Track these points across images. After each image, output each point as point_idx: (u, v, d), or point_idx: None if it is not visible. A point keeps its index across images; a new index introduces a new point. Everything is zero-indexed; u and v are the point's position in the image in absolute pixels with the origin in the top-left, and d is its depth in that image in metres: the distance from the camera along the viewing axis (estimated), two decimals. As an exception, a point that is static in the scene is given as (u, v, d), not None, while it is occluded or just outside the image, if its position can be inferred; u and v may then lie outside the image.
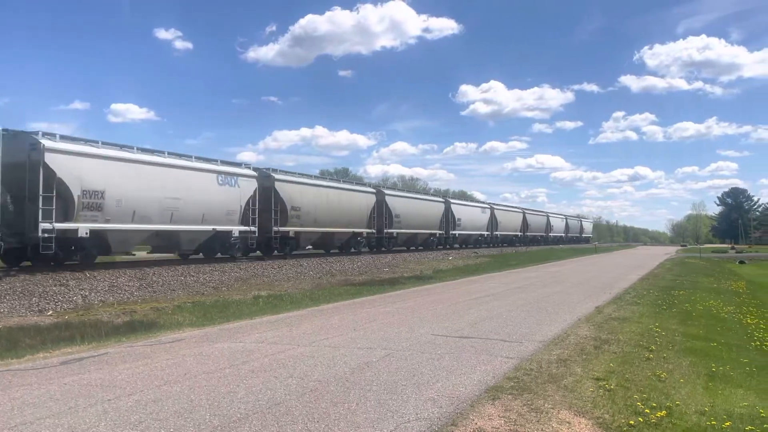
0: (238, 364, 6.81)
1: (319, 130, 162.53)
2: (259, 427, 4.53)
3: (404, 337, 8.71)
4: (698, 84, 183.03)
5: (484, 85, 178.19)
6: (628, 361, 7.37)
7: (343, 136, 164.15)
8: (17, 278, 15.06)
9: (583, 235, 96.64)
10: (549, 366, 6.82)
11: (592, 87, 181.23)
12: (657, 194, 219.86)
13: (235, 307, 13.51)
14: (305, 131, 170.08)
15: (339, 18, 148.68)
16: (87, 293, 15.08)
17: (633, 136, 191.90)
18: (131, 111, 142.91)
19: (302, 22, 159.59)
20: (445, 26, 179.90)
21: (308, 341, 8.36)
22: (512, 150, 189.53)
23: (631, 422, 4.86)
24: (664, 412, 5.15)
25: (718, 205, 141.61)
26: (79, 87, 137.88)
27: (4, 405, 5.14)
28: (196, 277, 19.19)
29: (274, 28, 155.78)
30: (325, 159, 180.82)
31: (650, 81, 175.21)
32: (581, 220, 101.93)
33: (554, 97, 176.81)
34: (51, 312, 13.19)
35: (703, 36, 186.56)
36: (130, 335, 9.44)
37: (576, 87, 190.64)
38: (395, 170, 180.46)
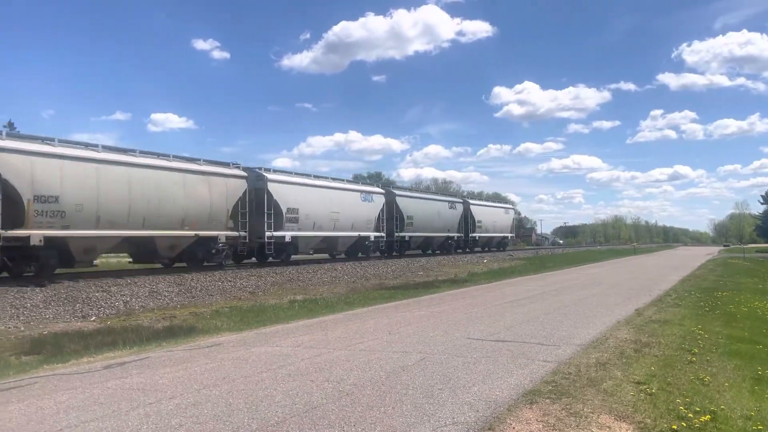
0: (275, 368, 6.88)
1: (353, 135, 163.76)
2: (296, 430, 4.57)
3: (439, 340, 8.68)
4: (740, 80, 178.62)
5: (518, 87, 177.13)
6: (669, 364, 7.20)
7: (377, 141, 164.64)
8: (62, 285, 15.49)
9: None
10: (588, 370, 6.71)
11: (630, 86, 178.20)
12: (698, 193, 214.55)
13: (271, 311, 13.65)
14: (339, 136, 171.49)
15: (372, 24, 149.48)
16: (128, 299, 15.43)
17: (672, 134, 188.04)
18: (170, 120, 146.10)
19: (336, 29, 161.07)
20: (479, 29, 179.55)
21: (344, 345, 8.40)
22: (547, 151, 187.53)
23: (674, 427, 4.75)
24: (708, 416, 5.01)
25: (762, 203, 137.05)
26: (120, 98, 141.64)
27: (50, 408, 5.29)
28: (233, 282, 19.45)
29: (308, 35, 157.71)
30: (358, 164, 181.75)
31: (690, 78, 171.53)
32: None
33: (590, 96, 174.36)
34: (94, 317, 13.54)
35: (744, 31, 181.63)
36: (170, 340, 9.63)
37: (612, 86, 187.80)
38: (428, 173, 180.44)
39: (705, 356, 7.80)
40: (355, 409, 5.12)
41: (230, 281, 19.44)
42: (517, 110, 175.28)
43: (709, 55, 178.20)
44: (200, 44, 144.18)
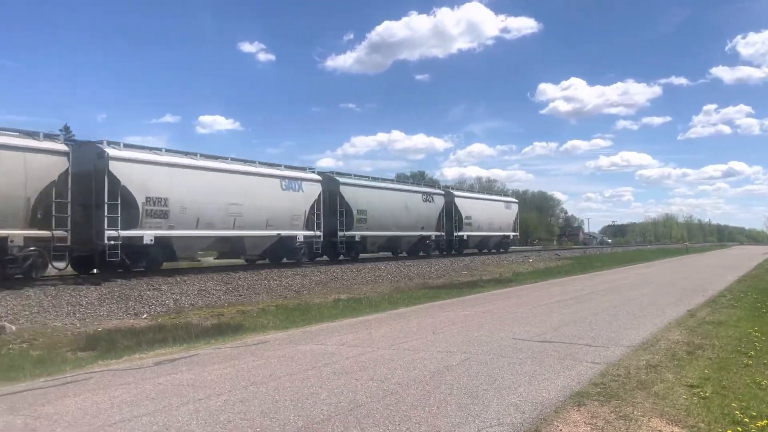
0: (320, 366, 6.95)
1: (396, 134, 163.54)
2: (341, 428, 4.60)
3: (484, 340, 8.60)
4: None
5: (564, 83, 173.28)
6: (724, 367, 6.95)
7: (420, 140, 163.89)
8: (115, 283, 16.00)
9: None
10: (638, 372, 6.54)
11: (681, 80, 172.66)
12: (754, 190, 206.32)
13: (316, 310, 13.79)
14: (382, 136, 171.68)
15: (416, 23, 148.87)
16: (178, 297, 15.83)
17: (726, 129, 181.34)
18: (218, 122, 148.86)
19: (379, 29, 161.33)
20: (524, 25, 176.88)
21: (388, 344, 8.41)
22: (595, 148, 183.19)
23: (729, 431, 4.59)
24: (765, 421, 4.82)
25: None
26: (170, 101, 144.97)
27: (104, 403, 5.48)
28: (279, 281, 19.73)
29: (351, 36, 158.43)
30: (401, 163, 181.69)
31: (745, 71, 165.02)
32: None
33: (640, 91, 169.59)
34: (146, 315, 13.94)
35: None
36: (218, 337, 9.83)
37: (663, 81, 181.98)
38: (472, 172, 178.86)
39: (762, 359, 7.50)
40: (399, 408, 5.12)
41: (276, 280, 19.72)
42: (563, 107, 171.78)
43: (765, 47, 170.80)
44: (246, 47, 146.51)
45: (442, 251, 35.74)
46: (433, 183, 33.01)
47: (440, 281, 22.98)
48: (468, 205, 37.69)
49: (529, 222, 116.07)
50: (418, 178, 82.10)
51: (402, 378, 6.27)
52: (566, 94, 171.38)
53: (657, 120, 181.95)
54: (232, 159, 21.82)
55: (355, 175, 29.54)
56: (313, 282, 20.52)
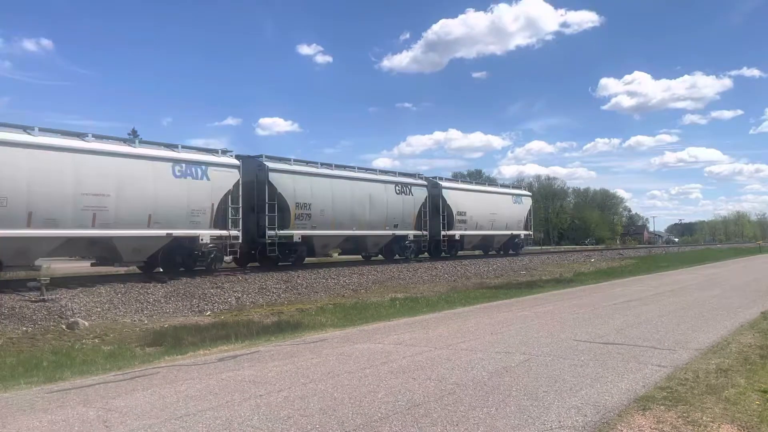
0: (378, 365, 6.98)
1: (453, 132, 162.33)
2: (399, 427, 4.61)
3: (544, 342, 8.44)
4: None
5: (628, 77, 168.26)
6: (802, 373, 6.57)
7: (477, 138, 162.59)
8: (180, 282, 16.56)
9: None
10: (707, 376, 6.27)
11: (753, 72, 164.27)
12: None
13: (373, 309, 13.87)
14: (438, 135, 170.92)
15: (472, 20, 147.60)
16: (240, 295, 16.23)
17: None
18: (277, 124, 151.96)
19: (435, 27, 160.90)
20: (585, 19, 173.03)
21: (445, 344, 8.37)
22: (660, 144, 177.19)
23: (809, 442, 4.34)
24: None
25: None
26: (231, 104, 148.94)
27: (171, 397, 5.67)
28: (337, 279, 19.95)
29: (407, 35, 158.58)
30: (458, 162, 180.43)
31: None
32: None
33: (708, 84, 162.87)
34: (209, 312, 14.37)
35: None
36: (278, 335, 10.03)
37: (734, 72, 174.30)
38: (531, 170, 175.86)
39: None
40: (457, 408, 5.09)
41: (333, 279, 19.95)
42: (626, 102, 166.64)
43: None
44: (304, 49, 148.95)
45: (423, 254, 29.33)
46: (414, 174, 29.02)
47: (498, 281, 22.71)
48: (461, 199, 30.68)
49: (590, 220, 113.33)
50: (475, 176, 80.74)
51: (460, 378, 6.22)
52: (629, 88, 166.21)
53: (727, 114, 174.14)
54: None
55: (294, 160, 22.73)
56: (370, 281, 20.65)
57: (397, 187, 26.43)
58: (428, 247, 29.39)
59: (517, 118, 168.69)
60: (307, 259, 23.50)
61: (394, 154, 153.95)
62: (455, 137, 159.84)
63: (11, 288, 13.84)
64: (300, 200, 21.66)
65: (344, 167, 24.86)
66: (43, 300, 13.02)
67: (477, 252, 35.81)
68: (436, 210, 28.91)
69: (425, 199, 27.85)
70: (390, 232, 25.90)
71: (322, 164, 23.68)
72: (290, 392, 5.73)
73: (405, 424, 4.68)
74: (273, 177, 20.82)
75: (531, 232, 38.53)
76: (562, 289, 18.04)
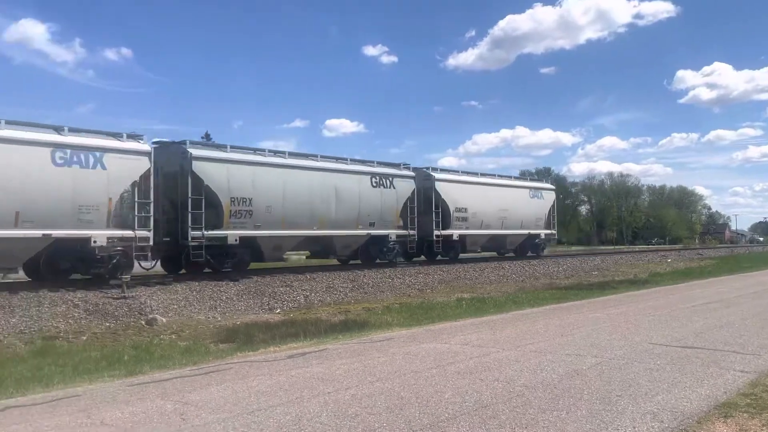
0: (445, 365, 6.95)
1: (520, 130, 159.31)
2: (467, 428, 4.57)
3: (617, 344, 8.17)
4: None
5: (707, 68, 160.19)
6: None
7: (545, 135, 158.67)
8: (252, 280, 17.03)
9: None
10: (796, 384, 5.89)
11: None
12: None
13: (439, 308, 13.82)
14: (505, 132, 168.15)
15: (540, 15, 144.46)
16: (308, 293, 16.54)
17: None
18: (343, 125, 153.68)
19: (501, 23, 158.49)
20: (660, 9, 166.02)
21: (513, 345, 8.24)
22: (743, 138, 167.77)
23: None
24: None
25: None
26: (299, 106, 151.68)
27: (243, 392, 5.84)
28: (402, 279, 19.99)
29: (473, 33, 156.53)
30: (526, 159, 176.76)
31: None
32: None
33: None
34: (279, 310, 14.71)
35: None
36: (345, 333, 10.15)
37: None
38: (603, 167, 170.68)
39: None
40: (526, 410, 5.00)
41: (399, 278, 20.01)
42: (705, 94, 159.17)
43: None
44: (370, 50, 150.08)
45: (411, 257, 25.49)
46: (397, 164, 24.03)
47: (568, 282, 22.16)
48: (461, 193, 26.06)
49: (667, 219, 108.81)
50: (544, 174, 78.47)
51: (529, 380, 6.11)
52: (709, 80, 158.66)
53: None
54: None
55: (233, 147, 18.71)
56: (436, 280, 20.59)
57: (373, 179, 21.80)
58: (421, 249, 25.06)
59: (587, 113, 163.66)
60: (258, 264, 19.88)
61: (459, 153, 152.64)
62: (523, 134, 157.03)
63: (96, 286, 14.62)
64: (236, 194, 17.62)
65: (302, 155, 20.65)
66: (124, 297, 13.69)
67: (483, 254, 30.72)
68: (429, 206, 24.44)
69: (412, 193, 23.45)
70: (364, 232, 21.61)
71: (270, 152, 19.80)
72: (357, 390, 5.79)
73: (472, 425, 4.63)
74: (198, 166, 16.83)
75: (554, 231, 32.58)
76: (637, 290, 17.39)
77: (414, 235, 23.43)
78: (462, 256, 27.39)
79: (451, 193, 25.42)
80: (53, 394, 6.09)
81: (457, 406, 5.18)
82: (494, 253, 30.84)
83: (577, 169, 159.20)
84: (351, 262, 23.35)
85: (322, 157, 20.86)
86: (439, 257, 25.43)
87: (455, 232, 25.46)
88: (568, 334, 9.21)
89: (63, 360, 8.70)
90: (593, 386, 5.81)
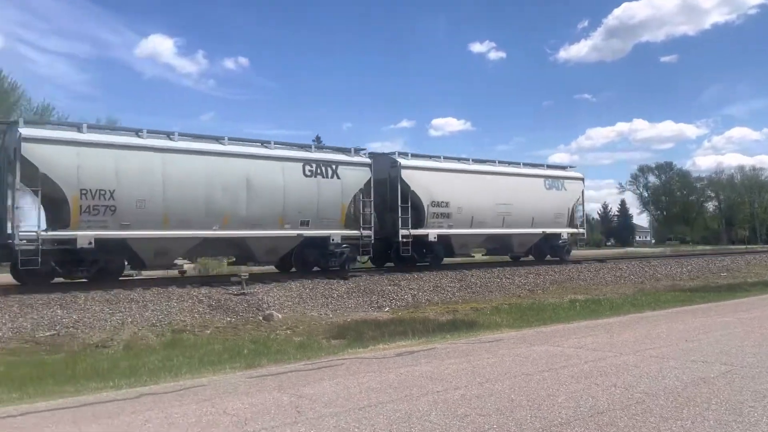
0: (557, 368, 6.74)
1: (638, 123, 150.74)
2: (581, 434, 4.40)
3: (749, 351, 7.53)
4: None
5: None
6: None
7: (666, 127, 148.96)
8: (361, 279, 17.40)
9: None
10: None
11: None
12: None
13: (550, 310, 13.42)
14: (621, 126, 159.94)
15: (659, 1, 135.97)
16: (415, 293, 16.65)
17: None
18: (450, 124, 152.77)
19: (617, 12, 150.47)
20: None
21: (631, 350, 7.83)
22: None
23: None
24: None
25: None
26: (406, 107, 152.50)
27: (354, 388, 5.98)
28: (512, 279, 19.61)
29: (585, 23, 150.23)
30: (644, 154, 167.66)
31: None
32: None
33: None
34: (387, 308, 14.93)
35: None
36: (453, 333, 10.12)
37: None
38: (732, 160, 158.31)
39: None
40: (647, 418, 4.73)
41: (508, 278, 19.64)
42: None
43: None
44: (477, 47, 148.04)
45: (385, 262, 21.36)
46: (347, 149, 19.34)
47: (693, 283, 20.76)
48: (440, 183, 20.80)
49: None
50: (664, 169, 73.49)
51: (649, 387, 5.78)
52: None
53: None
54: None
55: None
56: (548, 281, 20.00)
57: (308, 167, 17.48)
58: (390, 253, 20.63)
59: (714, 103, 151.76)
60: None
61: (572, 149, 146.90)
62: (641, 127, 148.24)
63: (218, 283, 15.57)
64: (89, 186, 14.10)
65: (199, 137, 16.57)
66: (243, 294, 14.46)
67: (483, 258, 26.46)
68: (398, 199, 19.58)
69: (366, 185, 18.76)
70: (293, 233, 17.29)
71: (150, 132, 15.57)
72: (467, 390, 5.75)
73: (588, 431, 4.46)
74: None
75: (582, 230, 25.93)
76: (772, 293, 15.96)
77: (369, 237, 18.70)
78: (448, 261, 22.33)
79: (426, 183, 20.24)
80: (181, 383, 6.56)
81: (570, 410, 5.00)
82: (495, 258, 25.51)
83: (702, 163, 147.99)
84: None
85: (231, 139, 16.84)
86: (419, 262, 20.86)
87: (432, 232, 20.19)
88: (694, 339, 8.62)
89: (189, 352, 9.34)
90: (722, 396, 5.40)
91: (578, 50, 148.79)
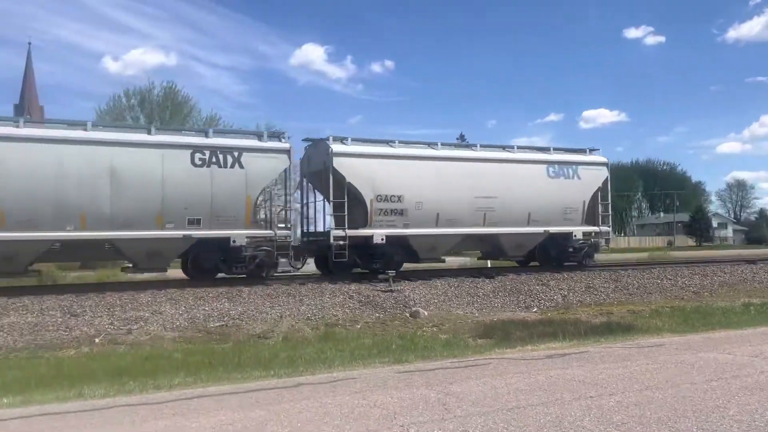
0: (727, 378, 6.15)
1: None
2: (757, 452, 3.99)
3: None
4: None
5: None
6: None
7: None
8: (507, 278, 17.09)
9: None
10: None
11: None
12: None
13: (720, 314, 12.29)
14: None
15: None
16: (566, 293, 16.03)
17: None
18: (602, 115, 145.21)
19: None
20: None
21: (820, 361, 6.93)
22: None
23: None
24: None
25: None
26: (553, 99, 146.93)
27: (502, 389, 5.90)
28: (674, 280, 18.21)
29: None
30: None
31: None
32: None
33: None
34: (535, 309, 14.54)
35: None
36: (607, 336, 9.62)
37: None
38: None
39: None
40: (839, 441, 4.17)
41: (670, 279, 18.25)
42: None
43: None
44: (632, 32, 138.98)
45: (261, 272, 15.99)
46: (257, 133, 16.83)
47: None
48: (388, 173, 16.90)
49: None
50: None
51: (843, 405, 5.08)
52: None
53: None
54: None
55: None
56: (716, 283, 18.30)
57: (198, 156, 14.55)
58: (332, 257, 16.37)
59: None
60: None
61: (744, 137, 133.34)
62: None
63: (366, 280, 16.11)
64: None
65: (53, 124, 14.73)
66: (390, 291, 14.83)
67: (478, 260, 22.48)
68: (330, 193, 16.48)
69: (281, 176, 16.13)
70: (177, 234, 14.41)
71: None
72: (623, 397, 5.43)
73: (766, 450, 4.03)
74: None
75: (607, 228, 20.15)
76: None
77: (288, 237, 15.90)
78: (443, 266, 18.97)
79: (369, 173, 16.56)
80: (334, 375, 6.89)
81: (744, 425, 4.54)
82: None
83: None
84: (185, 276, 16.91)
85: (94, 125, 14.50)
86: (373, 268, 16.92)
87: (378, 233, 16.38)
88: None
89: (341, 345, 9.78)
90: None
91: (750, 29, 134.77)
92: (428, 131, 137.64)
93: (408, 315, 13.24)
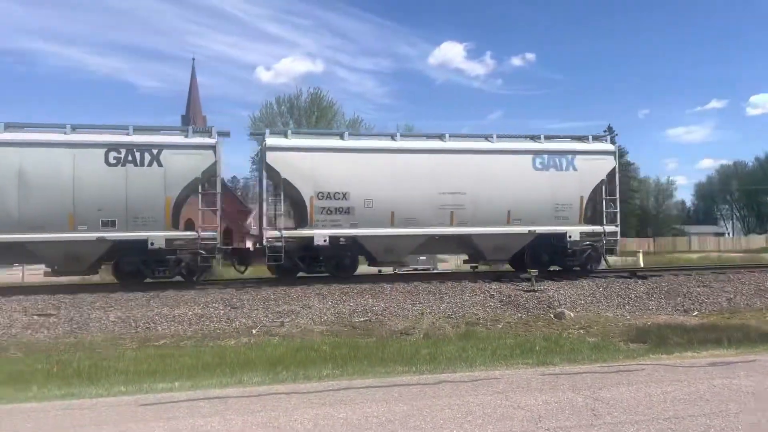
0: None
1: None
2: None
3: None
4: None
5: None
6: None
7: None
8: (663, 278, 15.93)
9: None
10: None
11: None
12: None
13: None
14: None
15: None
16: (731, 296, 14.63)
17: None
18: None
19: None
20: None
21: None
22: None
23: None
24: None
25: None
26: (715, 85, 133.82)
27: (657, 397, 5.52)
28: None
29: None
30: None
31: None
32: None
33: None
34: (696, 313, 13.42)
35: None
36: (782, 345, 8.64)
37: None
38: None
39: None
40: None
41: None
42: None
43: None
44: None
45: (195, 276, 14.95)
46: (182, 128, 16.10)
47: None
48: (333, 168, 15.08)
49: None
50: None
51: None
52: None
53: None
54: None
55: None
56: None
57: (113, 154, 13.87)
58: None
59: None
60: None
61: None
62: None
63: (507, 278, 15.81)
64: None
65: None
66: (533, 290, 14.41)
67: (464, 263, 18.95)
68: (262, 190, 15.77)
69: (207, 172, 14.75)
70: (91, 236, 13.76)
71: None
72: (802, 414, 4.85)
73: None
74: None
75: (614, 228, 16.69)
76: None
77: (212, 239, 14.52)
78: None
79: (308, 168, 14.98)
80: (476, 374, 6.84)
81: None
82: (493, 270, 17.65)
83: None
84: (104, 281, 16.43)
85: (7, 127, 14.04)
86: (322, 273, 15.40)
87: (319, 233, 14.77)
88: None
89: (482, 344, 9.68)
90: None
91: None
92: (573, 124, 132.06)
93: (552, 316, 12.80)
